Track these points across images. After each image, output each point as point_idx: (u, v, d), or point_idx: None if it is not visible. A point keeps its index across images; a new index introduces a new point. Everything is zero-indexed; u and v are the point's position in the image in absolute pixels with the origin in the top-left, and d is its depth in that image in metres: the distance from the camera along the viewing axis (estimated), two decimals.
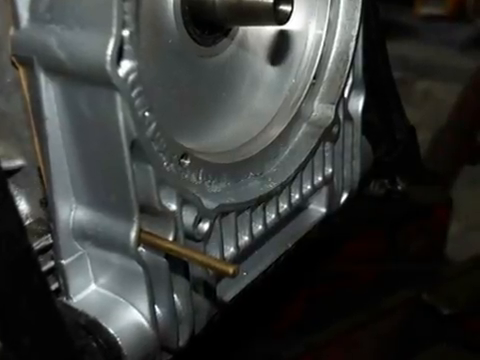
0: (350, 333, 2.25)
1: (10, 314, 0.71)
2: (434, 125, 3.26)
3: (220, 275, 0.97)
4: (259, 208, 1.07)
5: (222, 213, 0.97)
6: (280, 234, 1.17)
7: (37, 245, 0.87)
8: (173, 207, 0.85)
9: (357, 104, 1.27)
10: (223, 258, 1.00)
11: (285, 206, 1.14)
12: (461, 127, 3.16)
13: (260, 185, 1.08)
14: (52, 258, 0.88)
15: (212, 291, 0.99)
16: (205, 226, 0.91)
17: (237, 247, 1.03)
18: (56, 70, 0.75)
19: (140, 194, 0.80)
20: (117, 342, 0.83)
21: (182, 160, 0.90)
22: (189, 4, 0.95)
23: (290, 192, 1.14)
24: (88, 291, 0.88)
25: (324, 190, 1.24)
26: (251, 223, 1.05)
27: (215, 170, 0.99)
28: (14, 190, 0.88)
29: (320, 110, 1.19)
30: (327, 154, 1.22)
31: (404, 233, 2.50)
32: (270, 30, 1.14)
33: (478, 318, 2.40)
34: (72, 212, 0.84)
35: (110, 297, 0.88)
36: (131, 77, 0.74)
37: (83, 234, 0.85)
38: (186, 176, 0.92)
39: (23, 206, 0.90)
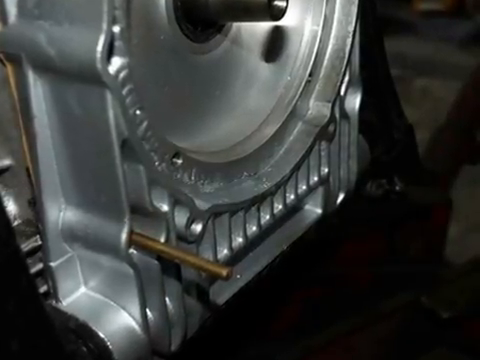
0: (347, 336, 2.25)
1: None
2: (433, 124, 3.26)
3: (213, 278, 0.97)
4: (253, 209, 1.07)
5: (215, 214, 0.97)
6: (275, 235, 1.17)
7: (25, 247, 0.87)
8: (165, 208, 0.85)
9: (354, 102, 1.27)
10: (216, 260, 1.00)
11: (280, 207, 1.14)
12: (461, 126, 3.17)
13: (254, 185, 1.08)
14: (41, 260, 0.88)
15: (205, 294, 0.99)
16: (198, 227, 0.91)
17: (231, 249, 1.03)
18: (45, 67, 0.75)
19: (131, 194, 0.80)
20: (108, 346, 0.83)
21: (174, 160, 0.90)
22: None
23: (285, 192, 1.14)
24: (78, 294, 0.88)
25: (320, 190, 1.24)
26: (245, 224, 1.06)
27: (208, 170, 0.99)
28: (2, 190, 0.88)
29: (316, 108, 1.19)
30: (323, 153, 1.22)
31: (402, 234, 2.50)
32: (265, 26, 1.14)
33: (478, 322, 2.40)
34: (61, 213, 0.84)
35: (100, 300, 0.88)
36: (122, 74, 0.74)
37: (72, 235, 0.85)
38: (178, 176, 0.92)
39: (11, 207, 0.90)
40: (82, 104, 0.75)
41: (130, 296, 0.86)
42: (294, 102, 1.17)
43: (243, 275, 1.08)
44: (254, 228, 1.08)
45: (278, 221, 1.15)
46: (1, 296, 0.71)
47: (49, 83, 0.77)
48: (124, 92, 0.75)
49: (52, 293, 0.87)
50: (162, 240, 0.85)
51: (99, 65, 0.70)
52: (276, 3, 0.94)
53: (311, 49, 1.19)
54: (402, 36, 6.38)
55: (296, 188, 1.17)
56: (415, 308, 2.39)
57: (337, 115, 1.22)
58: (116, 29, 0.72)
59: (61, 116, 0.78)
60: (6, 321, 0.72)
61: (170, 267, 0.89)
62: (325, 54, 1.20)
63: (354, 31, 1.19)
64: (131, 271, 0.84)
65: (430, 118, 4.02)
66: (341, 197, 1.32)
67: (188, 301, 0.95)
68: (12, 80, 0.80)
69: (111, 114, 0.74)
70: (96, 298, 0.88)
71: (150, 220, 0.85)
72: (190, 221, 0.90)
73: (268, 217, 1.11)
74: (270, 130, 1.14)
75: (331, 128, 1.21)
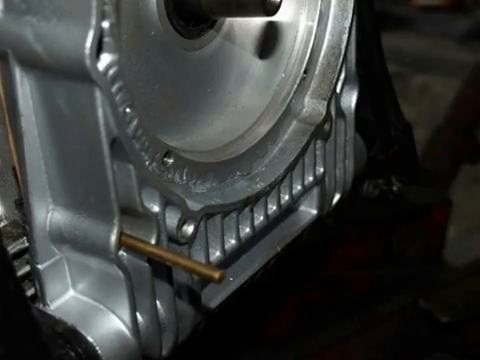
0: (343, 342, 2.26)
1: None
2: (432, 122, 3.28)
3: (205, 280, 0.97)
4: (247, 210, 1.07)
5: (207, 215, 0.97)
6: (269, 237, 1.17)
7: (12, 249, 0.87)
8: (156, 209, 0.85)
9: (350, 100, 1.28)
10: (208, 262, 1.00)
11: (274, 207, 1.14)
12: (460, 124, 3.18)
13: (248, 185, 1.08)
14: (28, 262, 0.88)
15: (197, 297, 0.99)
16: (189, 229, 0.91)
17: (223, 251, 1.03)
18: (32, 64, 0.75)
19: (121, 195, 0.80)
20: (96, 351, 0.84)
21: (165, 159, 0.91)
22: None
23: (279, 193, 1.14)
24: (66, 297, 0.88)
25: (315, 191, 1.25)
26: (238, 225, 1.06)
27: (200, 169, 0.99)
28: None
29: (311, 106, 1.20)
30: (318, 153, 1.22)
31: (400, 236, 2.50)
32: (258, 22, 1.15)
33: (478, 326, 2.41)
34: (49, 214, 0.85)
35: (89, 304, 0.88)
36: (111, 71, 0.74)
37: (61, 237, 0.85)
38: (169, 176, 0.93)
39: None
40: (70, 102, 0.75)
41: (120, 299, 0.86)
42: (289, 100, 1.17)
43: (236, 278, 1.08)
44: (247, 229, 1.08)
45: (272, 222, 1.15)
46: None
47: (36, 80, 0.77)
48: (113, 89, 0.75)
49: (40, 296, 0.87)
50: (153, 242, 0.85)
51: (88, 62, 0.70)
52: None
53: (306, 45, 1.19)
54: (400, 32, 6.39)
55: (291, 188, 1.17)
56: (413, 311, 2.39)
57: (333, 113, 1.22)
58: (105, 25, 0.72)
59: (49, 114, 0.78)
60: None
61: (161, 269, 0.89)
62: (320, 50, 1.20)
63: (350, 27, 1.20)
64: (121, 274, 0.84)
65: (429, 116, 4.04)
66: (337, 198, 1.32)
67: (179, 305, 0.95)
68: None
69: (100, 112, 0.74)
70: (85, 301, 0.88)
71: (140, 221, 0.85)
72: (182, 222, 0.90)
73: (262, 218, 1.11)
74: (264, 129, 1.14)
75: (327, 126, 1.21)
